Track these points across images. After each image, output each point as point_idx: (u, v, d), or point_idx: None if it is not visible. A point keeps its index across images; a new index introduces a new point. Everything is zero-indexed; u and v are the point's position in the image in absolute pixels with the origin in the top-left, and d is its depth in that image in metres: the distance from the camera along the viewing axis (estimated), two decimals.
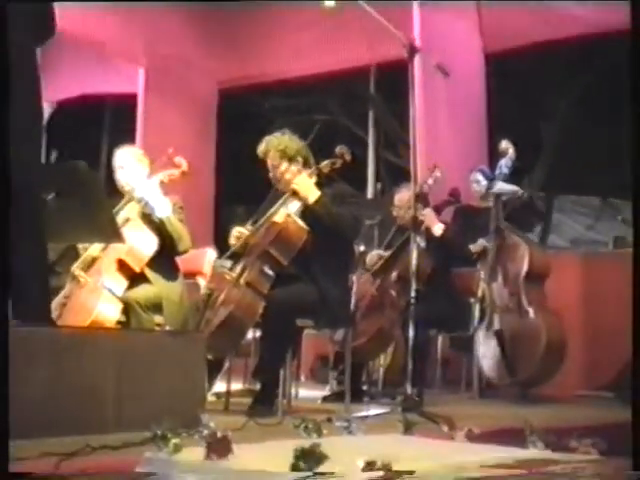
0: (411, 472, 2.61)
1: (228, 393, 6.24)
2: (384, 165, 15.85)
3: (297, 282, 5.85)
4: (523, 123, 14.48)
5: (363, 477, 2.58)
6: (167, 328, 6.47)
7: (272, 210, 6.04)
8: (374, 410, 5.71)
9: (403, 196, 7.54)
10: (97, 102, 14.38)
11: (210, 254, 7.41)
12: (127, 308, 6.43)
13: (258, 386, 5.78)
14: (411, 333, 5.69)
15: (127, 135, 11.19)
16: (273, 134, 6.27)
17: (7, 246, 3.65)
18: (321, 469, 2.66)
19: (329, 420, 4.66)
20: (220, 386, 6.34)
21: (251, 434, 4.26)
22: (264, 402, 5.57)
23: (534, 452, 3.39)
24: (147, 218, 6.59)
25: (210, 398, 5.85)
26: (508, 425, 4.69)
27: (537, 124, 17.42)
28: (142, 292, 6.52)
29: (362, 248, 7.37)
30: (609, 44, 11.02)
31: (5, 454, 2.75)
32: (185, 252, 6.76)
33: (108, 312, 6.34)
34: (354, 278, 6.73)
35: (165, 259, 6.68)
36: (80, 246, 6.68)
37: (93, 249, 6.62)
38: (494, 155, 8.34)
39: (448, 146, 9.68)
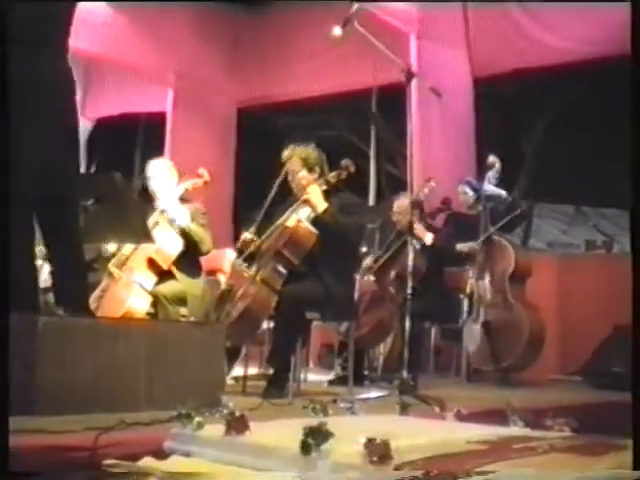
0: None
1: (245, 377, 6.24)
2: (384, 176, 15.84)
3: (306, 280, 5.84)
4: (507, 140, 14.45)
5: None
6: (191, 319, 6.49)
7: (285, 216, 6.05)
8: (374, 393, 5.71)
9: (401, 203, 7.55)
10: (131, 120, 14.36)
11: (229, 254, 7.42)
12: (156, 301, 6.47)
13: (271, 371, 5.76)
14: (407, 325, 5.67)
15: (157, 149, 11.21)
16: (298, 144, 6.28)
17: (7, 246, 3.60)
18: (327, 445, 2.67)
19: (334, 401, 4.67)
20: (238, 371, 6.33)
21: (265, 413, 4.26)
22: (277, 385, 5.57)
23: (515, 430, 3.38)
24: (173, 222, 6.63)
25: (229, 381, 5.85)
26: (492, 406, 4.69)
27: (519, 141, 17.40)
28: (169, 287, 6.55)
29: (364, 250, 7.36)
30: (578, 71, 11.05)
31: (5, 454, 2.70)
32: (207, 253, 6.82)
33: (139, 304, 6.38)
34: (357, 276, 6.73)
35: (189, 258, 6.73)
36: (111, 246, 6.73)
37: (126, 249, 6.65)
38: (482, 168, 8.36)
39: (441, 159, 9.68)
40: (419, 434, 3.18)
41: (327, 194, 6.01)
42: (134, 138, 16.90)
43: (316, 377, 7.45)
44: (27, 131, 4.58)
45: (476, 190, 7.85)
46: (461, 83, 10.27)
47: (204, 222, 6.80)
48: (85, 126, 12.17)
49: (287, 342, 5.70)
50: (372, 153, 10.39)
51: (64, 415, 3.80)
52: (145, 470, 2.80)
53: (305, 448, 2.66)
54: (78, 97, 5.12)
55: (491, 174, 7.56)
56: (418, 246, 7.26)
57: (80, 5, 5.00)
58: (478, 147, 10.34)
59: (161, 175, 6.86)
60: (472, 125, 10.47)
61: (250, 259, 6.07)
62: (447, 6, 10.19)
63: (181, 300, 6.61)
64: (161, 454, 3.00)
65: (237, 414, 3.01)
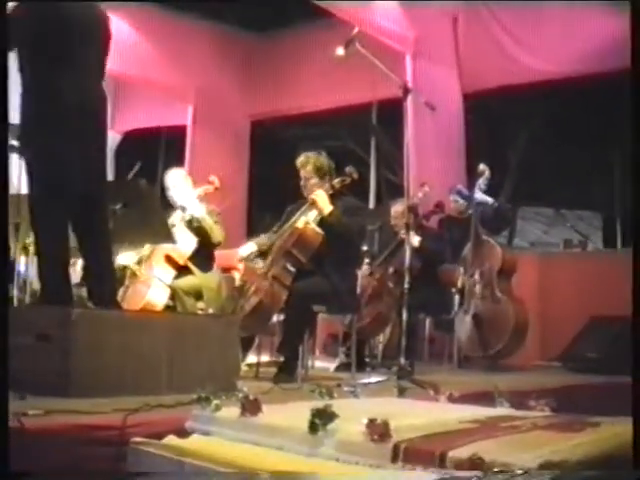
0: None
1: (258, 364, 6.25)
2: (383, 182, 15.84)
3: (313, 276, 5.84)
4: (493, 149, 14.44)
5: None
6: (209, 311, 6.50)
7: (294, 218, 6.05)
8: (374, 378, 5.69)
9: (398, 208, 7.54)
10: (155, 132, 14.39)
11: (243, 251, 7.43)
12: (174, 295, 6.50)
13: (282, 359, 5.76)
14: (404, 316, 5.67)
15: (178, 159, 11.22)
16: (312, 152, 6.28)
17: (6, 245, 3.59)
18: (332, 425, 2.67)
19: (338, 386, 4.67)
20: (251, 358, 6.34)
21: (276, 397, 4.25)
22: (287, 371, 5.57)
23: (501, 410, 3.38)
24: (188, 224, 6.69)
25: (243, 368, 5.84)
26: (481, 389, 4.68)
27: (504, 150, 17.39)
28: (186, 281, 6.61)
29: (365, 248, 7.35)
30: (558, 87, 11.09)
31: (5, 454, 2.70)
32: (219, 244, 6.89)
33: (158, 297, 6.43)
34: (359, 273, 6.72)
35: (204, 256, 6.77)
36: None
37: (146, 248, 6.69)
38: (471, 174, 8.37)
39: (434, 167, 9.67)
40: (416, 415, 3.18)
41: (332, 198, 6.01)
42: (157, 149, 16.91)
43: (322, 364, 7.44)
44: (64, 142, 4.61)
45: (466, 197, 7.91)
46: (452, 98, 10.29)
47: (217, 220, 6.88)
48: (114, 139, 12.21)
49: (296, 332, 5.70)
50: (372, 161, 10.39)
51: (95, 398, 3.80)
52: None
53: (313, 428, 2.67)
54: (108, 112, 5.15)
55: (481, 181, 7.62)
56: (415, 245, 7.26)
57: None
58: (467, 156, 10.36)
59: (178, 183, 6.96)
60: (462, 136, 10.49)
61: (263, 257, 6.07)
62: (439, 28, 10.22)
63: (197, 293, 6.64)
64: (183, 433, 3.00)
65: (251, 397, 3.01)
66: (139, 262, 6.66)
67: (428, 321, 7.78)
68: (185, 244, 6.66)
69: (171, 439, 2.89)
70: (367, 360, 7.29)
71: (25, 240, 5.91)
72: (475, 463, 2.27)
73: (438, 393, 4.12)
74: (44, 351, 4.08)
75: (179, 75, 11.32)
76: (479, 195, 7.60)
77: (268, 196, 13.76)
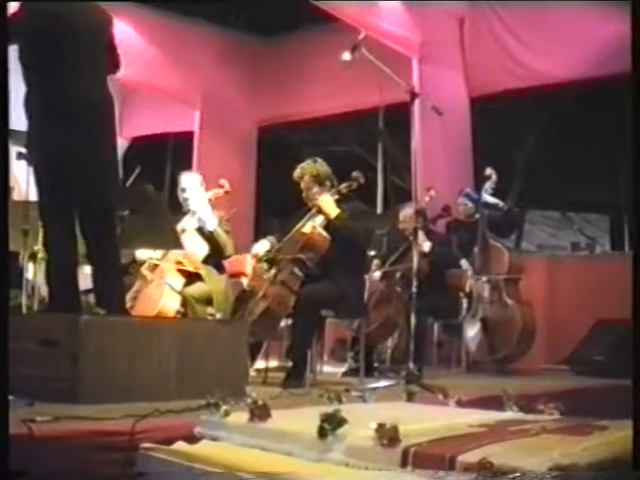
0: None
1: (266, 369, 6.25)
2: (390, 186, 15.83)
3: (321, 281, 5.83)
4: (500, 153, 14.42)
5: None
6: (217, 316, 6.50)
7: (301, 223, 6.05)
8: (383, 382, 5.69)
9: (406, 212, 7.52)
10: (162, 138, 14.41)
11: (250, 258, 7.43)
12: (184, 301, 6.48)
13: (290, 364, 5.76)
14: (413, 321, 5.68)
15: (185, 164, 11.23)
16: (306, 162, 6.27)
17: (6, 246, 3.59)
18: (341, 430, 2.67)
19: (347, 391, 4.65)
20: (260, 363, 6.34)
21: (285, 402, 4.27)
22: (295, 376, 5.56)
23: (510, 414, 3.38)
24: (199, 230, 6.67)
25: (251, 373, 5.84)
26: (489, 393, 4.68)
27: (511, 154, 17.37)
28: (196, 288, 6.57)
29: (373, 253, 7.35)
30: (563, 91, 11.10)
31: (5, 454, 2.70)
32: (229, 257, 6.85)
33: (170, 304, 6.39)
34: (367, 277, 6.72)
35: (213, 262, 6.74)
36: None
37: (156, 254, 6.68)
38: (478, 178, 8.37)
39: (441, 171, 9.67)
40: (424, 419, 3.18)
41: (339, 203, 6.01)
42: (164, 155, 16.94)
43: (330, 369, 7.44)
44: (72, 148, 4.62)
45: (475, 201, 7.90)
46: (459, 102, 10.29)
47: (228, 228, 6.85)
48: (121, 145, 12.22)
49: (304, 337, 5.70)
50: (379, 166, 10.41)
51: (104, 404, 3.82)
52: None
53: (322, 433, 2.67)
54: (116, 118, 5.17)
55: (488, 185, 7.65)
56: (426, 250, 7.28)
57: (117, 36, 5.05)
58: (475, 159, 10.35)
59: (193, 186, 6.90)
60: (469, 140, 10.49)
61: (270, 262, 6.07)
62: (445, 32, 10.22)
63: (207, 300, 6.63)
64: (192, 439, 3.00)
65: (260, 403, 3.02)
66: (152, 268, 6.65)
67: (436, 325, 7.76)
68: (196, 250, 6.65)
69: (180, 445, 2.90)
70: (375, 365, 7.29)
71: (33, 247, 5.91)
72: (484, 467, 2.27)
73: (447, 397, 4.12)
74: (53, 357, 4.09)
75: (186, 81, 11.35)
76: (487, 197, 7.62)
77: (275, 201, 13.76)
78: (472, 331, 7.46)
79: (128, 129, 12.47)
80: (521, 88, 10.40)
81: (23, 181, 5.48)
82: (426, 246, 7.37)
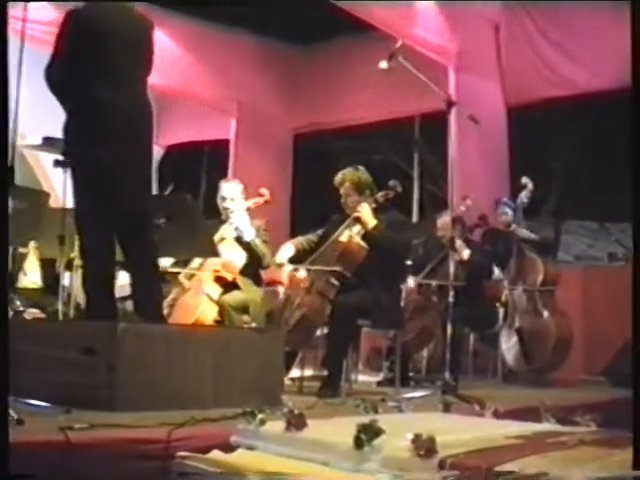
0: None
1: (302, 378, 6.26)
2: (427, 195, 15.81)
3: (358, 290, 5.83)
4: (537, 163, 14.35)
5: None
6: (253, 325, 6.50)
7: (338, 232, 6.05)
8: (419, 392, 5.69)
9: (444, 221, 7.49)
10: (198, 146, 14.47)
11: (287, 266, 7.42)
12: (221, 309, 6.48)
13: (326, 373, 5.76)
14: (449, 331, 5.67)
15: (221, 173, 11.26)
16: (347, 169, 6.27)
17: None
18: (377, 440, 2.66)
19: (383, 400, 4.66)
20: (295, 372, 6.34)
21: (321, 411, 4.26)
22: (331, 386, 5.56)
23: (547, 426, 3.37)
24: (238, 239, 6.67)
25: (287, 382, 5.84)
26: (526, 404, 4.67)
27: (549, 163, 17.29)
28: (233, 297, 6.57)
29: (409, 262, 7.33)
30: (600, 101, 11.01)
31: (5, 454, 2.69)
32: (268, 267, 6.82)
33: (208, 312, 6.40)
34: (403, 287, 6.71)
35: (252, 271, 6.73)
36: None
37: (194, 262, 6.69)
38: (515, 188, 8.34)
39: (478, 180, 9.64)
40: (461, 430, 3.17)
41: (376, 212, 6.01)
42: (200, 163, 17.01)
43: (366, 378, 7.43)
44: (110, 156, 4.65)
45: (513, 209, 7.87)
46: (495, 111, 10.26)
47: (266, 238, 6.83)
48: (157, 153, 12.28)
49: (340, 347, 5.70)
50: (415, 174, 10.39)
51: (141, 412, 3.83)
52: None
53: (358, 443, 2.67)
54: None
55: (524, 194, 7.66)
56: (465, 258, 7.26)
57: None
58: (511, 169, 10.31)
59: (235, 196, 6.87)
60: (506, 149, 10.45)
61: (307, 271, 6.08)
62: (482, 41, 10.20)
63: (244, 308, 6.63)
64: (228, 448, 3.01)
65: (296, 412, 3.02)
66: (188, 275, 6.67)
67: (472, 335, 7.74)
68: (235, 259, 6.64)
69: (216, 454, 2.91)
70: (411, 375, 7.27)
71: (70, 254, 5.94)
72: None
73: (483, 408, 4.11)
74: (89, 365, 4.10)
75: (222, 89, 11.37)
76: (523, 205, 7.64)
77: (311, 210, 13.78)
78: (508, 341, 7.44)
79: (164, 137, 12.51)
80: (559, 97, 10.36)
81: (59, 188, 5.51)
82: (465, 254, 7.35)
